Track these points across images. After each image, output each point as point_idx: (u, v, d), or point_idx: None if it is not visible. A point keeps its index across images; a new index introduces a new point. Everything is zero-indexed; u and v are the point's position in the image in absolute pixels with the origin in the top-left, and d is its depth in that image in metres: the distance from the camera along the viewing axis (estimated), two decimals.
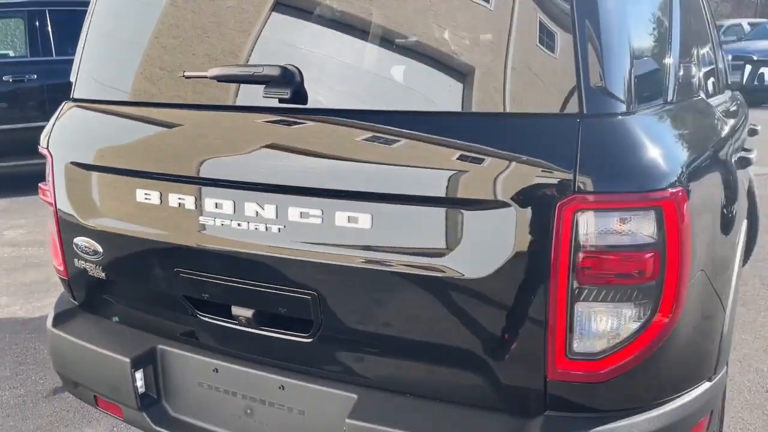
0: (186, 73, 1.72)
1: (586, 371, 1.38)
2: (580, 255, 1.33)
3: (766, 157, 4.98)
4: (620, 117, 1.38)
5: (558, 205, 1.31)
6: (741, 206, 1.96)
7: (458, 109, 1.44)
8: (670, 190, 1.33)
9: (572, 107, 1.35)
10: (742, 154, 2.28)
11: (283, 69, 1.54)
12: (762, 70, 3.58)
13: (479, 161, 1.39)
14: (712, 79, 2.60)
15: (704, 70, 2.33)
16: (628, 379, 1.40)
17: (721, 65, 2.99)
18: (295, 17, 1.64)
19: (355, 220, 1.48)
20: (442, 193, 1.40)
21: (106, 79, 1.94)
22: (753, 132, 3.20)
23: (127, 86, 1.88)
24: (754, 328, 3.80)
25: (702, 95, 2.11)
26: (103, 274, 1.91)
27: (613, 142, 1.35)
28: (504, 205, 1.35)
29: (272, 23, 1.66)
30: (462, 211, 1.39)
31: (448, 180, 1.40)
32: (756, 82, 3.64)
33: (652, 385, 1.46)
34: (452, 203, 1.40)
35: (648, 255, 1.34)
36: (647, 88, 1.55)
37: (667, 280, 1.36)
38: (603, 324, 1.38)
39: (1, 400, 3.07)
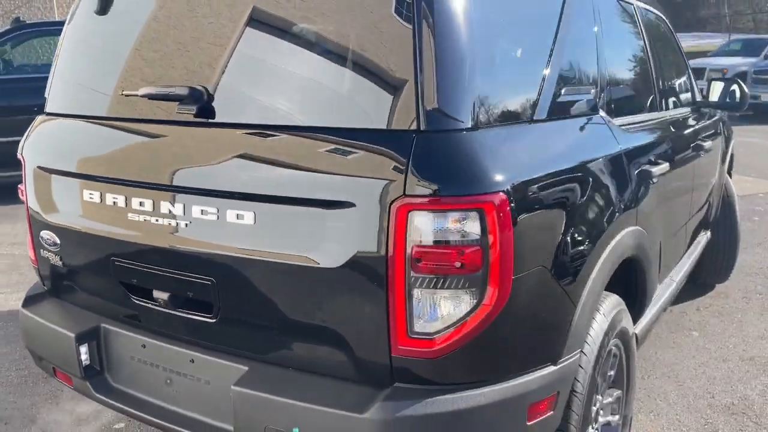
0: (124, 92, 2.03)
1: (425, 348, 1.62)
2: (413, 249, 1.57)
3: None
4: (455, 133, 1.62)
5: (391, 205, 1.55)
6: (619, 215, 2.14)
7: (320, 124, 1.71)
8: (492, 195, 1.57)
9: (410, 124, 1.60)
10: (649, 168, 2.45)
11: (191, 89, 1.83)
12: (733, 87, 3.72)
13: (333, 168, 1.65)
14: (634, 98, 2.78)
15: (617, 89, 2.52)
16: (462, 356, 1.62)
17: (667, 84, 3.15)
18: (209, 45, 1.93)
19: (242, 217, 1.75)
20: (305, 195, 1.67)
21: (70, 96, 2.27)
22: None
23: (83, 103, 2.21)
24: (721, 339, 3.89)
25: (603, 113, 2.31)
26: (60, 263, 2.24)
27: (443, 153, 1.59)
28: (351, 205, 1.61)
29: (199, 49, 1.95)
30: (321, 210, 1.65)
31: (311, 184, 1.66)
32: (728, 99, 3.77)
33: (486, 363, 1.68)
34: (313, 203, 1.66)
35: (471, 250, 1.57)
36: (499, 108, 1.77)
37: (491, 272, 1.58)
38: (436, 308, 1.61)
39: (7, 380, 3.45)
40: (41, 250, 2.30)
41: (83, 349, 2.11)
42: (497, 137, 1.71)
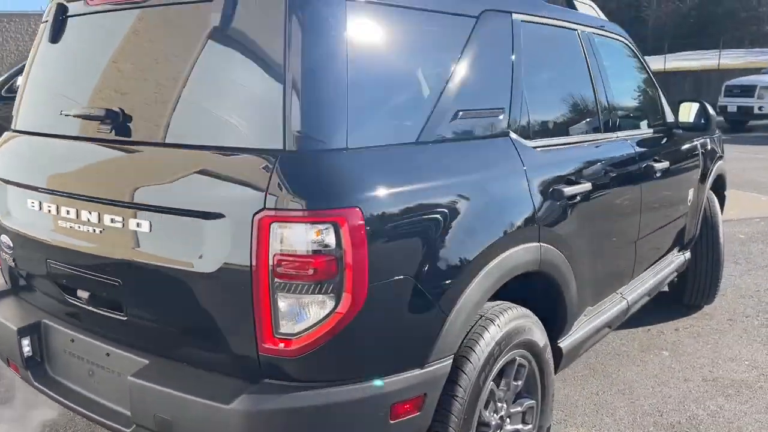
0: (63, 112, 2.28)
1: (287, 348, 1.78)
2: (275, 257, 1.74)
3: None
4: (316, 153, 1.79)
5: (254, 217, 1.73)
6: (510, 231, 2.25)
7: (205, 143, 1.91)
8: (345, 210, 1.73)
9: (276, 144, 1.78)
10: (563, 187, 2.55)
11: (106, 110, 2.07)
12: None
13: (211, 183, 1.84)
14: (564, 121, 2.89)
15: (538, 113, 2.64)
16: (321, 356, 1.78)
17: (618, 106, 3.23)
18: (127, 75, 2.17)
19: (141, 226, 1.96)
20: (189, 206, 1.86)
21: (29, 115, 2.54)
22: None
23: (37, 121, 2.47)
24: (690, 359, 3.90)
25: (515, 136, 2.43)
26: (14, 264, 2.50)
27: (302, 172, 1.76)
28: (222, 216, 1.79)
29: (117, 76, 2.19)
30: (200, 220, 1.85)
31: (193, 196, 1.86)
32: (702, 120, 3.81)
33: (345, 363, 1.83)
34: (195, 214, 1.86)
35: (327, 259, 1.73)
36: (374, 130, 1.94)
37: (346, 280, 1.74)
38: (297, 311, 1.77)
39: None
40: (2, 253, 2.57)
41: (25, 342, 2.35)
42: (363, 158, 1.86)
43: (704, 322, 4.47)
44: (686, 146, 3.94)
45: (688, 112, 3.80)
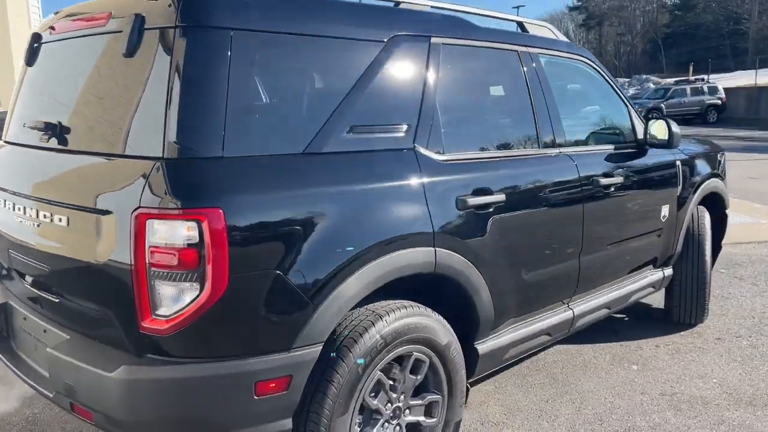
0: (24, 124, 2.69)
1: (161, 327, 2.07)
2: (150, 248, 2.05)
3: None
4: (187, 160, 2.08)
5: (132, 214, 2.05)
6: (395, 235, 2.45)
7: (107, 150, 2.25)
8: (207, 210, 2.01)
9: (156, 152, 2.09)
10: (470, 198, 2.73)
11: (45, 123, 2.45)
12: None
13: (107, 184, 2.18)
14: (487, 135, 3.07)
15: (453, 128, 2.84)
16: (188, 336, 2.06)
17: (562, 123, 3.36)
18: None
19: (61, 221, 2.32)
20: (92, 204, 2.20)
21: (12, 127, 2.98)
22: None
23: (14, 133, 2.90)
24: (657, 374, 3.93)
25: (421, 149, 2.64)
26: None
27: (174, 175, 2.05)
28: (111, 213, 2.12)
29: (59, 94, 2.58)
30: (98, 215, 2.18)
31: (95, 195, 2.20)
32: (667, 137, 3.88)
33: (211, 343, 2.10)
34: (95, 211, 2.19)
35: (190, 251, 2.02)
36: (255, 141, 2.21)
37: (207, 270, 2.03)
38: (169, 296, 2.07)
39: None
40: None
41: None
42: (233, 165, 2.13)
43: (690, 340, 4.45)
44: (657, 163, 3.98)
45: (657, 129, 3.86)
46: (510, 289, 3.02)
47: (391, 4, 2.88)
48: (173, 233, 2.03)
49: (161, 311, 2.08)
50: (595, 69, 3.81)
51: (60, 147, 2.46)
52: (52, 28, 2.72)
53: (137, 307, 2.10)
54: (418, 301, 2.67)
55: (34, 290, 2.57)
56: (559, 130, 3.35)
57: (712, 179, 4.57)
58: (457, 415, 2.82)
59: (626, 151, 3.83)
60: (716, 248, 5.03)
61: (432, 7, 3.04)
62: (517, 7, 56.88)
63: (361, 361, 2.36)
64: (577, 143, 3.52)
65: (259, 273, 2.13)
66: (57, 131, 2.46)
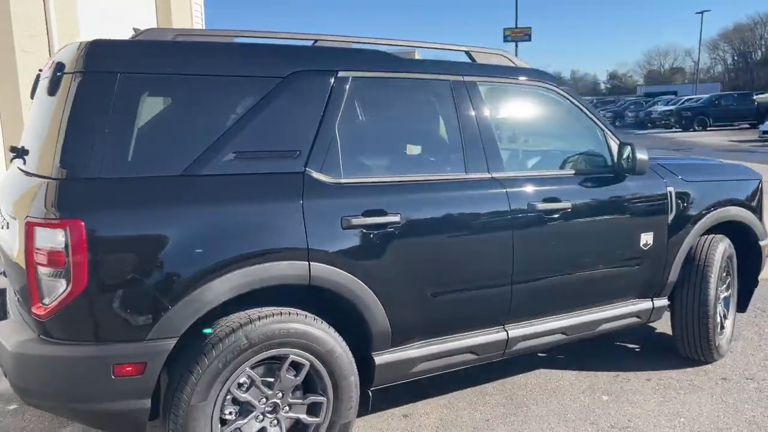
0: (10, 146, 3.38)
1: (42, 313, 2.59)
2: (34, 250, 2.57)
3: None
4: (67, 179, 2.57)
5: (24, 221, 2.59)
6: (264, 247, 2.76)
7: (33, 171, 2.80)
8: (71, 220, 2.50)
9: (48, 172, 2.61)
10: (356, 218, 2.97)
11: (19, 147, 3.09)
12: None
13: (26, 197, 2.72)
14: (394, 159, 3.28)
15: (353, 153, 3.10)
16: (59, 322, 2.56)
17: (497, 148, 3.46)
18: None
19: (7, 226, 2.93)
20: (12, 214, 2.78)
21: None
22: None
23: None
24: (623, 408, 3.83)
25: (314, 172, 2.94)
26: None
27: (54, 191, 2.56)
28: (15, 219, 2.68)
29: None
30: (15, 221, 2.75)
31: (15, 207, 2.78)
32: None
33: (76, 329, 2.57)
34: (13, 218, 2.77)
35: (59, 254, 2.51)
36: (132, 164, 2.66)
37: (71, 270, 2.51)
38: (49, 288, 2.57)
39: None
40: None
41: None
42: (102, 184, 2.59)
43: (689, 377, 4.22)
44: (633, 189, 3.88)
45: (628, 154, 3.78)
46: (413, 307, 3.19)
47: (300, 43, 3.21)
48: (48, 238, 2.54)
49: (45, 301, 2.60)
50: (558, 93, 3.81)
51: (22, 167, 3.09)
52: (41, 69, 3.39)
53: (30, 297, 2.63)
54: (311, 309, 2.97)
55: (6, 279, 3.22)
56: (493, 157, 3.44)
57: (728, 207, 4.30)
58: (343, 417, 3.06)
59: (592, 176, 3.78)
60: (750, 283, 4.69)
61: (363, 43, 3.32)
62: (701, 12, 53.09)
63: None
64: (522, 169, 3.57)
65: (117, 275, 2.57)
66: (21, 154, 3.09)
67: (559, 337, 3.76)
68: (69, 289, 2.53)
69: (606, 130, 3.92)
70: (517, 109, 3.79)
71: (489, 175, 3.42)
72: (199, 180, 2.77)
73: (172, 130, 2.83)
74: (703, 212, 4.17)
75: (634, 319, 4.08)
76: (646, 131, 34.74)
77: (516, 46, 28.77)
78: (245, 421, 2.88)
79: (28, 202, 2.68)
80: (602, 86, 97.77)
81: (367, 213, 3.02)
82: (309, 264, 2.88)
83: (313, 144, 3.00)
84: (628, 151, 3.73)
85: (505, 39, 28.41)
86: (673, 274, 4.12)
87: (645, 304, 4.08)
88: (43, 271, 2.57)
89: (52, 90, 2.79)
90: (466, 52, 3.68)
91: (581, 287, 3.80)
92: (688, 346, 4.32)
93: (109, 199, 2.61)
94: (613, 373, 4.28)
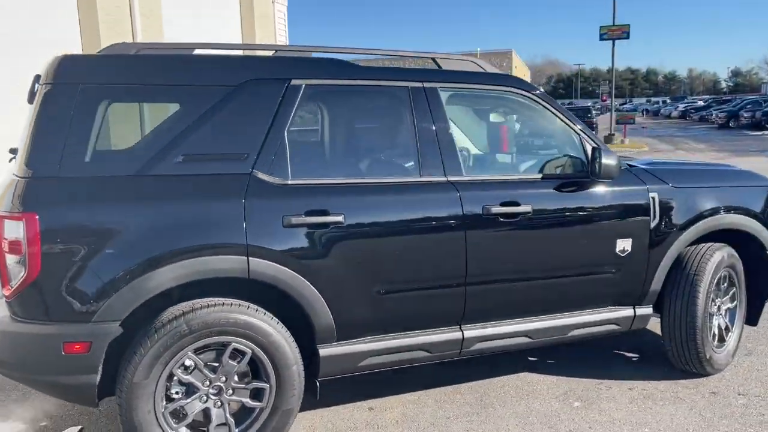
0: (10, 148, 3.82)
1: (8, 294, 2.96)
2: (3, 240, 2.95)
3: None
4: (31, 178, 2.93)
5: None
6: (198, 243, 3.01)
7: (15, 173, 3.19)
8: (26, 214, 2.85)
9: (20, 172, 2.98)
10: (296, 217, 3.17)
11: (10, 149, 3.51)
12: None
13: (4, 196, 3.12)
14: (340, 163, 3.46)
15: (300, 157, 3.30)
16: (21, 302, 2.93)
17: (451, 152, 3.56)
18: None
19: None
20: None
21: None
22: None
23: None
24: (584, 414, 3.81)
25: (260, 174, 3.17)
26: None
27: (18, 188, 2.92)
28: None
29: None
30: None
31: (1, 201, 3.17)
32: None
33: (34, 309, 2.92)
34: None
35: (18, 243, 2.88)
36: (87, 166, 2.99)
37: (27, 257, 2.87)
38: (13, 273, 2.94)
39: None
40: None
41: None
42: (58, 182, 2.92)
43: (675, 388, 4.12)
44: (607, 194, 3.84)
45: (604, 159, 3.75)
46: (358, 304, 3.35)
47: (255, 54, 3.44)
48: (12, 229, 2.91)
49: (11, 283, 2.97)
50: (529, 98, 3.83)
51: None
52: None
53: (2, 279, 3.02)
54: (260, 302, 3.20)
55: None
56: (451, 161, 3.53)
57: (725, 215, 4.15)
58: (286, 403, 3.26)
59: (561, 180, 3.77)
60: (762, 295, 4.49)
61: (322, 52, 3.52)
62: None
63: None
64: (483, 173, 3.64)
65: (67, 263, 2.90)
66: (15, 156, 3.52)
67: (523, 340, 3.79)
68: (25, 274, 2.88)
69: (583, 135, 3.90)
70: (482, 114, 3.85)
71: (445, 179, 3.51)
72: (148, 180, 3.06)
73: (126, 134, 3.14)
74: (694, 219, 4.06)
75: (613, 327, 4.03)
76: (761, 132, 32.60)
77: (613, 44, 27.70)
78: (188, 400, 3.15)
79: (4, 198, 3.07)
80: (723, 84, 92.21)
81: (310, 213, 3.21)
82: (248, 259, 3.11)
83: (262, 147, 3.22)
84: (597, 155, 3.70)
85: (601, 37, 27.38)
86: (657, 283, 4.03)
87: (625, 312, 4.02)
88: (9, 258, 2.94)
89: (30, 99, 3.17)
90: (433, 59, 3.78)
91: (547, 292, 3.81)
92: (678, 357, 4.21)
93: (64, 196, 2.95)
94: (596, 381, 4.24)
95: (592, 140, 3.89)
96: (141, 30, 10.30)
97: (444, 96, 3.62)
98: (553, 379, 4.28)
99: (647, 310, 4.09)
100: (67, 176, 2.97)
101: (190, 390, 3.16)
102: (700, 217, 4.08)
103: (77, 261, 2.92)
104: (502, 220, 3.58)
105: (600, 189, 3.83)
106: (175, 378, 3.11)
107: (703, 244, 4.17)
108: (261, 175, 3.20)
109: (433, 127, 3.53)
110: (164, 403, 3.10)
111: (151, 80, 3.17)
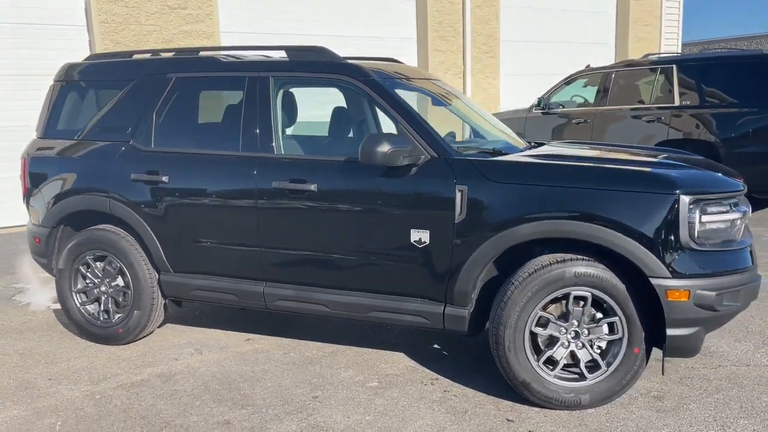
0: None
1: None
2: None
3: None
4: (39, 147, 4.94)
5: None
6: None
7: None
8: (23, 158, 4.90)
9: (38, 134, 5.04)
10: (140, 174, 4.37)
11: None
12: None
13: None
14: (195, 137, 4.47)
15: (166, 132, 4.46)
16: (28, 209, 5.01)
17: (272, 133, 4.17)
18: None
19: None
20: None
21: None
22: None
23: None
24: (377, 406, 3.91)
25: (133, 142, 4.52)
26: None
27: (29, 143, 4.98)
28: None
29: None
30: None
31: None
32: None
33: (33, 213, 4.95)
34: None
35: (24, 173, 4.96)
36: (60, 131, 4.84)
37: (23, 181, 4.92)
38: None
39: None
40: None
41: None
42: (42, 142, 4.82)
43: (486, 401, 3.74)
44: (401, 183, 3.76)
45: None
46: (179, 247, 4.39)
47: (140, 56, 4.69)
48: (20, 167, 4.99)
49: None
50: (358, 87, 3.99)
51: None
52: None
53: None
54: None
55: None
56: (265, 140, 4.15)
57: (563, 222, 3.48)
58: (138, 305, 4.56)
59: (362, 166, 3.79)
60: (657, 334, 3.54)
61: (208, 51, 4.58)
62: None
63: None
64: (291, 153, 4.12)
65: (38, 186, 4.82)
66: None
67: (320, 308, 4.10)
68: (23, 191, 4.94)
69: (406, 126, 3.86)
70: (307, 99, 4.21)
71: (256, 155, 4.16)
72: (79, 143, 4.75)
73: (81, 114, 4.86)
74: (516, 221, 3.57)
75: (422, 320, 3.89)
76: None
77: None
78: None
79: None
80: None
81: (147, 173, 4.41)
82: (109, 200, 4.52)
83: (137, 123, 4.55)
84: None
85: None
86: (466, 284, 3.71)
87: (433, 308, 3.84)
88: (28, 186, 5.02)
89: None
90: (284, 48, 4.32)
91: (340, 268, 4.02)
92: (500, 367, 3.72)
93: (41, 148, 4.88)
94: (436, 377, 4.11)
95: (419, 133, 3.85)
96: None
97: (276, 84, 4.22)
98: (416, 366, 4.27)
99: (460, 311, 3.78)
100: (48, 138, 4.89)
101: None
102: (524, 219, 3.55)
103: (40, 185, 4.82)
104: (291, 195, 4.02)
105: (393, 177, 3.78)
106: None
107: (549, 256, 3.58)
108: (134, 143, 4.53)
109: (257, 110, 4.19)
110: None
111: (98, 79, 4.83)
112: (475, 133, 4.99)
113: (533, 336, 3.63)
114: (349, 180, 3.94)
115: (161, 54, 4.85)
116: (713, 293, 3.38)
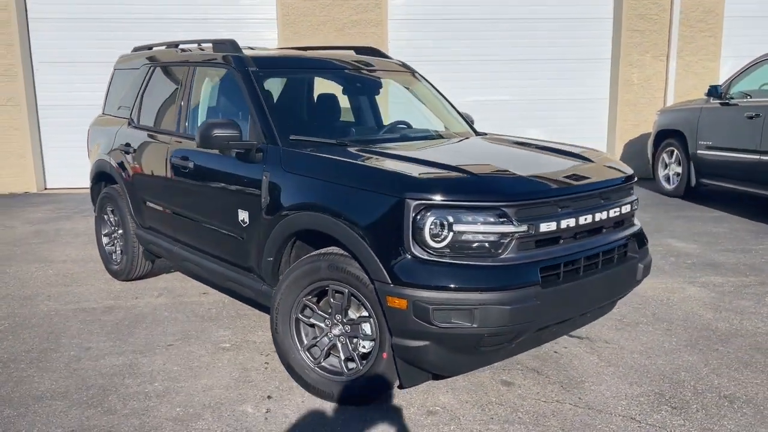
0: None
1: None
2: None
3: None
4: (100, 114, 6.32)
5: None
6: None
7: None
8: (90, 127, 6.33)
9: None
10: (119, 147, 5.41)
11: None
12: None
13: None
14: (164, 119, 5.27)
15: (147, 114, 5.41)
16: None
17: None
18: None
19: None
20: None
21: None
22: None
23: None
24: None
25: (133, 121, 5.58)
26: None
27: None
28: None
29: None
30: None
31: None
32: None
33: None
34: None
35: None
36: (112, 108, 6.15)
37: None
38: None
39: None
40: None
41: None
42: (102, 116, 6.17)
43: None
44: (230, 167, 4.15)
45: None
46: (139, 205, 5.33)
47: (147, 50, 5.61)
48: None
49: None
50: (236, 76, 4.36)
51: None
52: None
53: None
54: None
55: None
56: (183, 121, 4.86)
57: (301, 213, 3.66)
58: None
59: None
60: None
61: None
62: None
63: None
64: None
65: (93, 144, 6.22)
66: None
67: (198, 269, 4.76)
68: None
69: (255, 114, 4.14)
70: (207, 86, 4.70)
71: (178, 134, 4.88)
72: (110, 116, 5.99)
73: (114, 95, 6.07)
74: (288, 209, 3.73)
75: (252, 294, 4.19)
76: None
77: None
78: None
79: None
80: None
81: (124, 143, 5.46)
82: (108, 162, 5.67)
83: (134, 104, 5.59)
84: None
85: None
86: (268, 264, 3.95)
87: (258, 285, 4.12)
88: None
89: None
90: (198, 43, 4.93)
91: (206, 237, 4.56)
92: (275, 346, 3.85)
93: (99, 121, 6.25)
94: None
95: (253, 119, 4.14)
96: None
97: (198, 72, 4.87)
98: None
99: (271, 291, 4.01)
100: (103, 113, 6.24)
101: None
102: (300, 208, 3.67)
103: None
104: (182, 170, 4.66)
105: (229, 160, 4.16)
106: None
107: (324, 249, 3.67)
108: (133, 119, 5.59)
109: (188, 94, 4.89)
110: None
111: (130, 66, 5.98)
112: (418, 122, 5.00)
113: (299, 323, 3.73)
114: (208, 161, 4.42)
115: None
116: (430, 307, 3.12)
